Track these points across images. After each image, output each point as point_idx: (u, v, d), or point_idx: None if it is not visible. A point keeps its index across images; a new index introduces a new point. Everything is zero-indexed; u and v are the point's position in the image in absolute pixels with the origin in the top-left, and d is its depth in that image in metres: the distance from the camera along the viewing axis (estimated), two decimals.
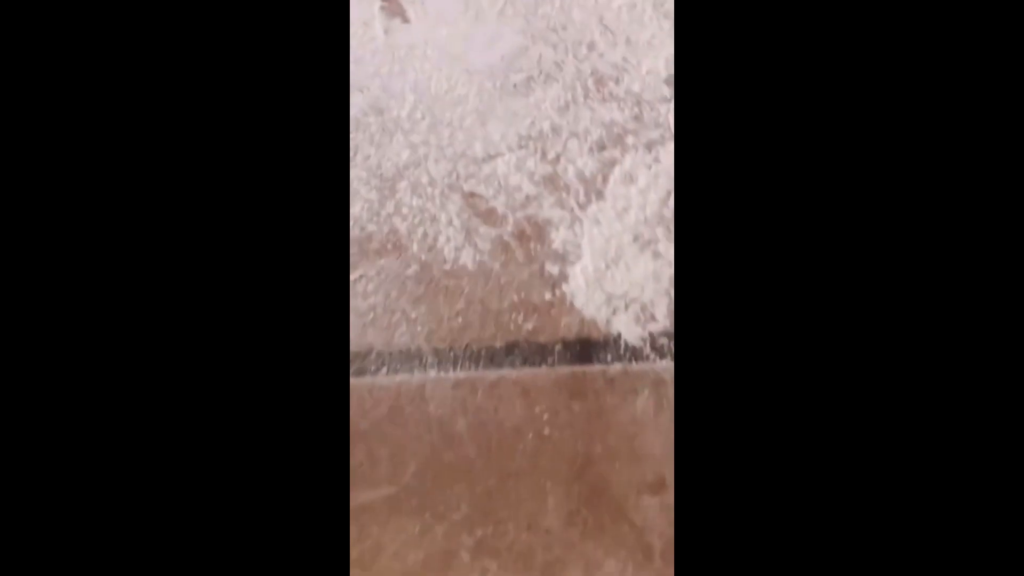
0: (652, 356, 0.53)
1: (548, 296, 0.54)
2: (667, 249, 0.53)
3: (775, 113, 0.35)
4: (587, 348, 0.54)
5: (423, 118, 0.55)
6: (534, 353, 0.54)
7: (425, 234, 0.55)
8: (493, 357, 0.54)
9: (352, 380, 0.55)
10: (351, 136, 0.55)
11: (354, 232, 0.55)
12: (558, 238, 0.54)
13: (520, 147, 0.54)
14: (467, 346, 0.55)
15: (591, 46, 0.55)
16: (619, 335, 0.53)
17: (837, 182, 0.35)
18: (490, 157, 0.54)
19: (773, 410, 0.35)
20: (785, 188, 0.35)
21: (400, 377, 0.55)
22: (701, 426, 0.35)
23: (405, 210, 0.55)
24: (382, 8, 0.55)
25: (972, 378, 0.34)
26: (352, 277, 0.55)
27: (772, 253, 0.35)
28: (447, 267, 0.55)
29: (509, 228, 0.54)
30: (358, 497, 0.54)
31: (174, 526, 0.35)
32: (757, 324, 0.35)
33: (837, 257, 0.35)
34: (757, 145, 0.35)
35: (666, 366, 0.53)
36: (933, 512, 0.34)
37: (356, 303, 0.55)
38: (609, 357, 0.54)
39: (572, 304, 0.54)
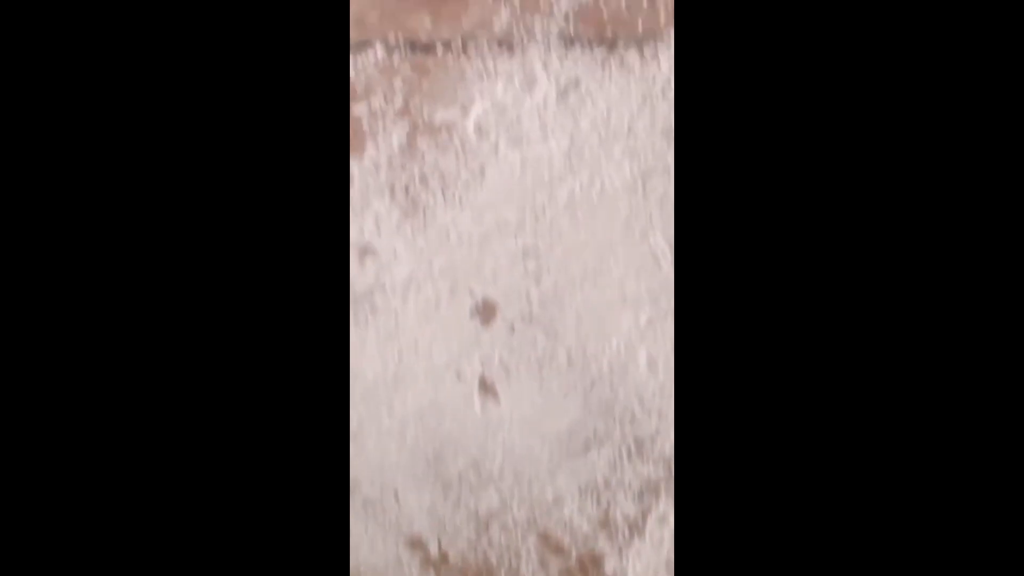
0: None
1: None
2: None
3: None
4: None
5: (509, 472, 0.73)
6: None
7: (510, 564, 0.72)
8: None
9: None
10: (451, 491, 0.73)
11: (456, 561, 0.72)
12: (610, 566, 0.71)
13: (581, 495, 0.72)
14: None
15: (632, 418, 0.74)
16: None
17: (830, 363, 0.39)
18: (559, 503, 0.72)
19: None
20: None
21: None
22: None
23: (495, 544, 0.72)
24: (479, 390, 0.74)
25: (961, 369, 0.37)
26: None
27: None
28: None
29: (573, 559, 0.72)
30: None
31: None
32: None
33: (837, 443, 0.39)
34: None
35: None
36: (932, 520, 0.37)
37: None
38: None
39: None
